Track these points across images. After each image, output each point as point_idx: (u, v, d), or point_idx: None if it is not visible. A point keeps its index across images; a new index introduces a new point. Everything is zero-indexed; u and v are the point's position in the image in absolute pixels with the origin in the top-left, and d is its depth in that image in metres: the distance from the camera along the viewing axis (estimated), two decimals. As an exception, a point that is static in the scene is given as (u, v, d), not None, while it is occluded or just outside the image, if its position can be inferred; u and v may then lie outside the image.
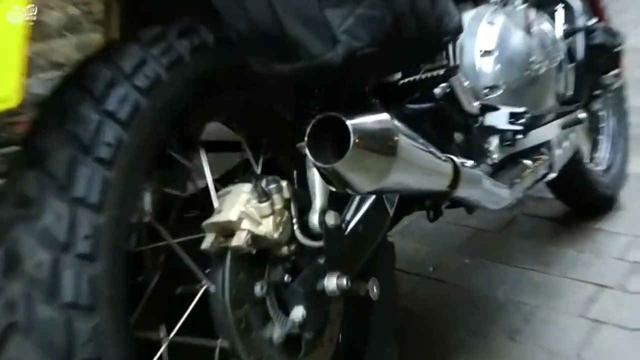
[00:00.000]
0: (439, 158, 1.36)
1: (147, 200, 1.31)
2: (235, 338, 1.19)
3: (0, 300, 0.99)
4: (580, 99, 2.02)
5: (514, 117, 1.68)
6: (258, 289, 1.23)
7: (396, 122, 1.20)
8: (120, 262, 1.07)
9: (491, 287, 2.20)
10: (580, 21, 2.03)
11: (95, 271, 1.02)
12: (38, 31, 2.33)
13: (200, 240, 1.20)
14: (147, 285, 1.28)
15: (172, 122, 1.17)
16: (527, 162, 1.85)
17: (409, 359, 1.81)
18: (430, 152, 1.32)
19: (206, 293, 1.19)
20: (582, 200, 2.55)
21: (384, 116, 1.16)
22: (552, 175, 1.95)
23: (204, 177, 1.29)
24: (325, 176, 1.13)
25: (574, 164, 2.33)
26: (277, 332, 1.25)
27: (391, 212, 1.45)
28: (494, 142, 1.70)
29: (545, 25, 1.94)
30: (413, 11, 1.16)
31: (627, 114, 2.76)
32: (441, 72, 1.37)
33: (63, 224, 1.00)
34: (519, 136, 1.70)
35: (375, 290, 1.34)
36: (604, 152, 2.68)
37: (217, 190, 1.26)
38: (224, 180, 1.37)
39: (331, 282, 1.25)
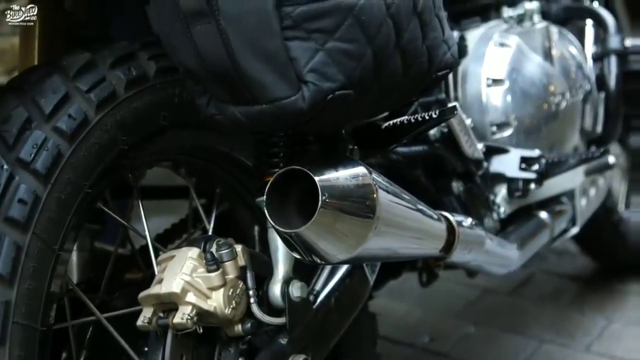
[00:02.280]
0: (431, 217, 1.40)
1: (74, 263, 1.35)
2: None
3: None
4: (611, 138, 2.08)
5: (526, 162, 1.76)
6: None
7: (376, 176, 1.22)
8: (33, 343, 1.12)
9: None
10: (614, 42, 2.07)
11: (3, 357, 1.08)
12: None
13: (136, 314, 1.22)
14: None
15: (102, 171, 1.20)
16: (544, 215, 1.90)
17: None
18: (420, 210, 1.36)
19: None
20: (614, 256, 2.60)
21: (361, 169, 1.19)
22: (575, 230, 2.02)
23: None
24: (288, 242, 1.16)
25: (605, 211, 2.42)
26: None
27: (371, 279, 1.51)
28: (502, 192, 1.78)
29: (570, 47, 2.00)
30: (399, 43, 1.20)
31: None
32: (435, 114, 1.40)
33: None
34: (533, 185, 1.74)
35: None
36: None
37: (157, 252, 1.29)
38: (169, 237, 1.40)
39: None
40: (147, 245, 1.31)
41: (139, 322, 1.22)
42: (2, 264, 1.07)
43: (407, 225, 1.34)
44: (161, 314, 1.23)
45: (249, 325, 1.28)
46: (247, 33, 1.10)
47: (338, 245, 1.17)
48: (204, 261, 1.24)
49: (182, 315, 1.19)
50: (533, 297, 2.56)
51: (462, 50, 1.79)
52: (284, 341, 1.31)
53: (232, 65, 1.09)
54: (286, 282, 1.31)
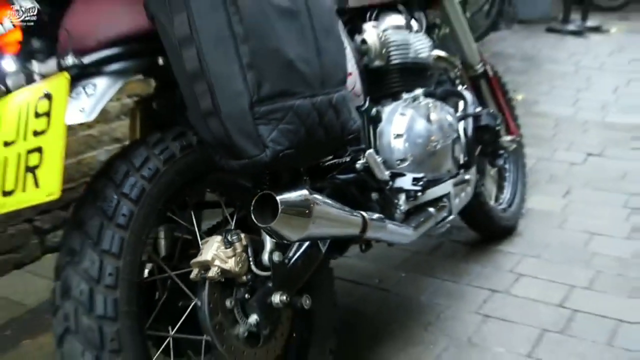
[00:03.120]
0: (351, 214, 1.47)
1: (161, 244, 1.45)
2: (213, 335, 1.33)
3: (58, 314, 1.17)
4: (470, 165, 2.07)
5: (415, 180, 1.74)
6: (228, 303, 1.36)
7: (314, 194, 1.33)
8: (133, 289, 1.21)
9: (418, 293, 2.26)
10: (470, 109, 2.08)
11: (116, 295, 1.17)
12: (102, 116, 2.45)
13: (190, 272, 1.33)
14: (159, 301, 1.40)
15: (169, 196, 1.29)
16: (431, 209, 1.90)
17: (347, 346, 1.91)
18: (343, 210, 1.44)
19: (195, 306, 1.33)
20: (487, 230, 2.59)
21: (304, 191, 1.30)
22: (451, 217, 1.99)
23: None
24: (266, 231, 1.28)
25: (480, 204, 2.40)
26: (241, 330, 1.38)
27: (323, 249, 1.53)
28: (402, 198, 1.76)
29: (445, 114, 1.99)
30: (322, 123, 1.26)
31: (524, 166, 2.84)
32: (348, 158, 1.51)
33: (95, 266, 1.16)
34: (419, 193, 1.76)
35: (307, 302, 1.45)
36: (506, 195, 2.72)
37: (202, 239, 1.36)
38: (210, 232, 1.48)
39: (276, 298, 1.37)
40: (197, 235, 1.39)
41: (191, 276, 1.31)
42: (114, 247, 1.16)
43: (334, 219, 1.40)
44: (202, 272, 1.30)
45: (250, 276, 1.37)
46: (235, 121, 1.16)
47: (292, 233, 1.28)
48: (223, 243, 1.31)
49: (212, 272, 1.28)
50: (441, 255, 2.53)
51: (379, 118, 1.80)
52: (269, 285, 1.38)
53: (229, 140, 1.17)
54: (271, 252, 1.37)
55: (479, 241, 2.62)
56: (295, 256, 1.46)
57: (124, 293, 1.19)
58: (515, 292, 2.27)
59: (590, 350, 1.93)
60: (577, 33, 6.27)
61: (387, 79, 1.88)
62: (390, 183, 1.72)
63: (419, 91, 1.92)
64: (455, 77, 2.28)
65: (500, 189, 2.74)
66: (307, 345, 1.63)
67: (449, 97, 2.11)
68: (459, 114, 2.06)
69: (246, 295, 1.39)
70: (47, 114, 1.10)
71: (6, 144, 1.14)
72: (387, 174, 1.71)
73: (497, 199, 2.68)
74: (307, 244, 1.48)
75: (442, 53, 2.20)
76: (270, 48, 1.17)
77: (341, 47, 1.37)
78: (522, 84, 4.73)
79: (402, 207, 1.76)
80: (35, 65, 1.18)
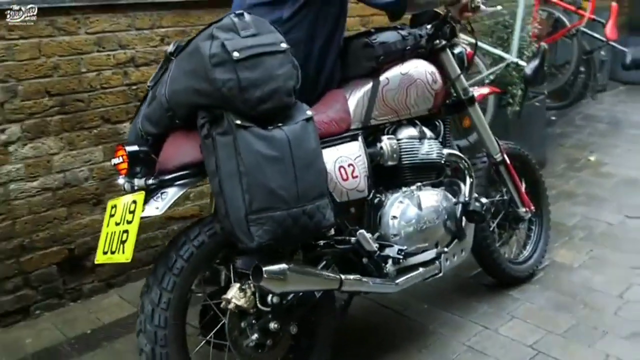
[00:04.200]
0: (327, 276, 1.80)
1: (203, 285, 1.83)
2: (230, 342, 1.75)
3: (137, 320, 1.66)
4: (462, 236, 2.24)
5: (400, 251, 1.95)
6: (242, 324, 1.75)
7: (292, 266, 1.66)
8: (179, 310, 1.65)
9: (428, 322, 2.44)
10: (461, 198, 2.25)
11: (167, 315, 1.63)
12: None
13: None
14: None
15: (208, 258, 1.72)
16: (421, 269, 2.09)
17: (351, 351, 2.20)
18: (320, 273, 1.78)
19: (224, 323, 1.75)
20: (500, 278, 2.68)
21: (282, 265, 1.65)
22: (440, 274, 2.16)
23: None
24: (259, 287, 1.67)
25: (493, 258, 2.57)
26: (249, 341, 1.76)
27: (317, 295, 1.83)
28: (389, 262, 1.97)
29: (438, 200, 2.13)
30: (296, 225, 1.59)
31: (548, 229, 2.93)
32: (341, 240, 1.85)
33: (157, 296, 1.63)
34: (402, 260, 1.98)
35: (294, 329, 1.79)
36: (526, 251, 2.84)
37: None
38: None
39: (271, 325, 1.73)
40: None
41: (221, 306, 1.71)
42: (169, 286, 1.60)
43: (308, 281, 1.73)
44: (227, 304, 1.68)
45: (256, 310, 1.71)
46: (237, 223, 1.53)
47: (274, 288, 1.65)
48: (239, 289, 1.68)
49: (231, 305, 1.67)
50: (462, 293, 2.65)
51: (382, 204, 2.02)
52: (269, 317, 1.72)
53: (234, 233, 1.55)
54: (271, 297, 1.69)
55: (498, 285, 2.70)
56: (289, 298, 1.77)
57: (171, 313, 1.63)
58: (502, 331, 2.39)
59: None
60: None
61: (400, 174, 2.13)
62: (378, 252, 1.95)
63: (417, 184, 2.11)
64: (464, 168, 2.38)
65: (524, 245, 2.86)
66: (309, 351, 1.93)
67: (452, 186, 2.30)
68: (456, 199, 2.23)
69: (253, 321, 1.74)
70: (133, 212, 1.60)
71: (116, 224, 1.66)
72: (375, 246, 1.93)
73: (519, 254, 2.81)
74: (300, 293, 1.79)
75: (454, 151, 2.35)
76: (259, 182, 1.55)
77: (319, 174, 1.67)
78: (600, 146, 4.62)
79: (389, 269, 1.97)
80: (136, 181, 1.67)
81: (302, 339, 1.93)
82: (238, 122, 1.56)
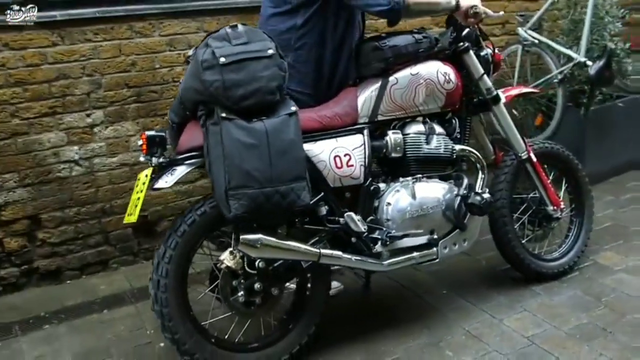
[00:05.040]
0: (305, 250, 2.07)
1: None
2: (222, 296, 2.10)
3: (150, 284, 2.06)
4: (463, 227, 2.37)
5: (388, 234, 2.16)
6: (234, 282, 2.07)
7: (266, 237, 1.96)
8: (178, 277, 2.00)
9: (442, 306, 2.60)
10: (462, 191, 2.35)
11: (166, 281, 2.00)
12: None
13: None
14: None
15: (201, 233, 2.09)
16: (415, 253, 2.27)
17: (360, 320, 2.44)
18: (295, 247, 2.04)
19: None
20: (522, 272, 2.74)
21: (259, 235, 1.97)
22: (437, 260, 2.33)
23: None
24: (239, 250, 2.02)
25: (515, 253, 2.67)
26: (239, 297, 2.08)
27: (305, 265, 2.10)
28: (378, 243, 2.18)
29: (437, 190, 2.31)
30: (269, 202, 1.88)
31: (589, 230, 2.94)
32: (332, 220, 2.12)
33: (161, 268, 2.04)
34: (389, 242, 2.17)
35: (275, 291, 2.10)
36: (562, 248, 2.88)
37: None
38: None
39: (256, 286, 2.05)
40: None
41: (217, 266, 2.13)
42: (167, 259, 2.01)
43: (284, 250, 2.01)
44: (220, 264, 2.06)
45: (244, 272, 2.04)
46: (220, 197, 1.87)
47: (251, 253, 1.98)
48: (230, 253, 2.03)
49: (222, 265, 2.02)
50: (485, 283, 2.74)
51: (378, 191, 2.23)
52: (255, 278, 2.06)
53: (219, 205, 1.90)
54: (258, 261, 2.02)
55: (525, 280, 2.75)
56: (276, 265, 2.07)
57: (172, 267, 2.00)
58: (506, 321, 2.47)
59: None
60: None
61: (406, 166, 2.34)
62: (367, 233, 2.18)
63: (418, 176, 2.31)
64: (477, 163, 2.50)
65: (560, 244, 2.91)
66: (300, 314, 2.19)
67: (458, 179, 2.45)
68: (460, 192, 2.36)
69: (242, 281, 2.06)
70: (144, 184, 2.03)
71: (136, 192, 2.09)
72: (363, 227, 2.15)
73: (553, 251, 2.86)
74: (287, 261, 2.09)
75: (466, 147, 2.47)
76: (236, 164, 1.87)
77: (295, 161, 1.92)
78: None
79: (377, 249, 2.20)
80: (153, 160, 2.05)
81: (296, 303, 2.25)
82: (224, 114, 1.91)
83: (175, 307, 2.03)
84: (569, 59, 3.58)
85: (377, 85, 2.30)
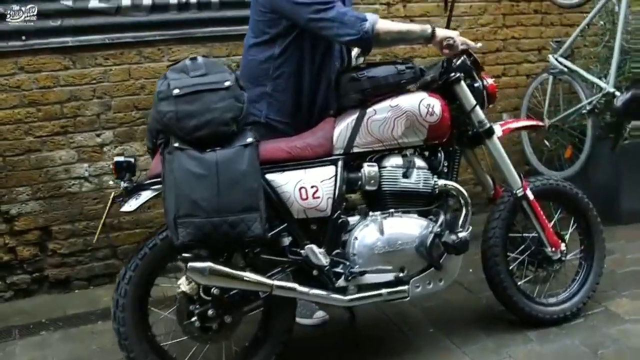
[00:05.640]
0: (256, 280, 2.07)
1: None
2: (178, 320, 2.14)
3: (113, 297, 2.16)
4: (438, 267, 2.28)
5: (350, 269, 2.14)
6: (190, 307, 2.09)
7: (213, 266, 1.99)
8: (136, 300, 2.09)
9: (422, 345, 2.52)
10: (436, 229, 2.25)
11: (125, 301, 2.09)
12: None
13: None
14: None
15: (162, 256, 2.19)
16: (383, 290, 2.22)
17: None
18: (245, 277, 2.06)
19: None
20: (523, 318, 2.62)
21: (207, 263, 2.00)
22: (407, 298, 2.26)
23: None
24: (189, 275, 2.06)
25: (507, 295, 2.55)
26: (195, 322, 2.09)
27: (262, 295, 2.10)
28: (341, 278, 2.15)
29: (408, 226, 2.25)
30: (217, 232, 1.90)
31: (598, 274, 2.75)
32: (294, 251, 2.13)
33: (122, 274, 2.15)
34: (350, 278, 2.14)
35: (228, 319, 2.10)
36: (566, 292, 2.72)
37: None
38: None
39: (209, 313, 2.07)
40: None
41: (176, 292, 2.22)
42: (125, 284, 2.07)
43: (231, 279, 2.02)
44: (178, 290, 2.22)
45: (199, 298, 2.07)
46: (170, 225, 1.90)
47: (199, 280, 2.02)
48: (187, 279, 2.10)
49: (178, 291, 2.12)
50: (477, 323, 2.65)
51: (346, 225, 2.20)
52: (210, 305, 2.07)
53: (169, 233, 2.00)
54: (212, 289, 2.04)
55: (522, 324, 2.62)
56: (232, 294, 2.09)
57: (131, 287, 2.07)
58: None
59: None
60: None
61: (382, 200, 2.30)
62: (328, 267, 2.15)
63: (390, 210, 2.26)
64: (461, 199, 2.38)
65: (567, 286, 2.75)
66: (262, 342, 2.21)
67: (436, 215, 2.35)
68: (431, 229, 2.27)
69: (197, 306, 2.08)
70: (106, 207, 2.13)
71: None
72: (325, 261, 2.13)
73: (555, 295, 2.71)
74: (240, 290, 2.11)
75: (450, 182, 2.38)
76: (185, 193, 1.92)
77: (247, 192, 1.92)
78: None
79: (340, 284, 2.16)
80: (122, 184, 2.13)
81: (259, 331, 2.26)
82: (176, 145, 1.98)
83: (131, 327, 2.11)
84: (600, 89, 3.38)
85: (355, 116, 2.27)
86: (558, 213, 2.76)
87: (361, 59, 2.61)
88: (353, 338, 2.64)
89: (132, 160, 2.14)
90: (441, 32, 2.27)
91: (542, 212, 2.60)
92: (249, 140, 2.04)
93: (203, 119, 1.96)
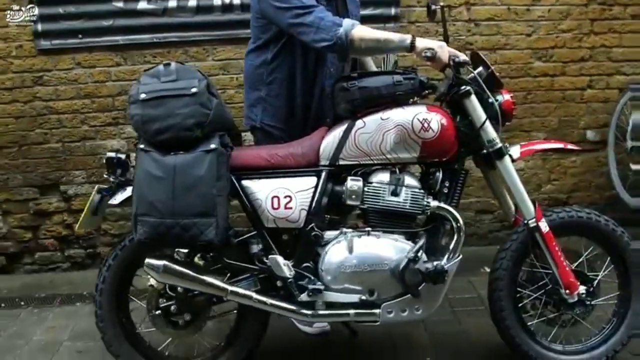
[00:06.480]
0: (211, 283, 2.12)
1: None
2: (147, 311, 2.28)
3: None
4: (415, 294, 2.16)
5: (314, 286, 2.11)
6: (160, 300, 2.26)
7: (168, 265, 2.10)
8: (113, 299, 2.26)
9: None
10: (411, 254, 2.13)
11: (103, 300, 2.28)
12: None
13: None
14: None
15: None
16: (351, 311, 2.16)
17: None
18: (199, 279, 2.11)
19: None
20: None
21: (162, 262, 2.11)
22: (377, 323, 2.17)
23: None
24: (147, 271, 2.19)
25: (510, 336, 2.35)
26: (162, 316, 2.26)
27: (225, 299, 2.15)
28: (304, 292, 2.12)
29: (381, 247, 2.14)
30: (170, 233, 1.98)
31: (629, 326, 2.42)
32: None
33: (104, 262, 2.32)
34: (311, 294, 2.11)
35: (187, 317, 2.21)
36: (588, 341, 2.45)
37: None
38: None
39: (172, 308, 2.22)
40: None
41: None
42: (100, 286, 2.25)
43: (186, 280, 2.09)
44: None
45: (166, 293, 2.25)
46: (133, 221, 2.06)
47: (155, 277, 2.14)
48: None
49: (147, 284, 2.30)
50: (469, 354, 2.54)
51: (319, 239, 2.16)
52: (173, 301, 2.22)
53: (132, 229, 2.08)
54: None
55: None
56: (195, 293, 2.18)
57: (110, 274, 2.24)
58: None
59: None
60: None
61: (365, 216, 2.22)
62: (292, 280, 2.13)
63: (367, 229, 2.18)
64: (454, 224, 2.23)
65: (592, 335, 2.48)
66: (235, 338, 2.29)
67: (416, 238, 2.21)
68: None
69: (164, 300, 2.22)
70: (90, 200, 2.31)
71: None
72: (290, 273, 2.12)
73: (580, 341, 2.48)
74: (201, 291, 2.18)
75: (443, 205, 2.22)
76: (143, 193, 2.02)
77: (202, 197, 1.96)
78: None
79: (301, 297, 2.13)
80: (111, 178, 2.32)
81: (230, 333, 2.34)
82: (142, 146, 2.10)
83: (107, 311, 2.28)
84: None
85: (343, 127, 2.21)
86: (589, 251, 2.44)
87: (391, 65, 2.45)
88: (350, 351, 2.60)
89: (124, 156, 2.28)
90: (422, 43, 2.12)
91: (556, 247, 2.32)
92: (212, 146, 2.06)
93: (165, 123, 2.03)
